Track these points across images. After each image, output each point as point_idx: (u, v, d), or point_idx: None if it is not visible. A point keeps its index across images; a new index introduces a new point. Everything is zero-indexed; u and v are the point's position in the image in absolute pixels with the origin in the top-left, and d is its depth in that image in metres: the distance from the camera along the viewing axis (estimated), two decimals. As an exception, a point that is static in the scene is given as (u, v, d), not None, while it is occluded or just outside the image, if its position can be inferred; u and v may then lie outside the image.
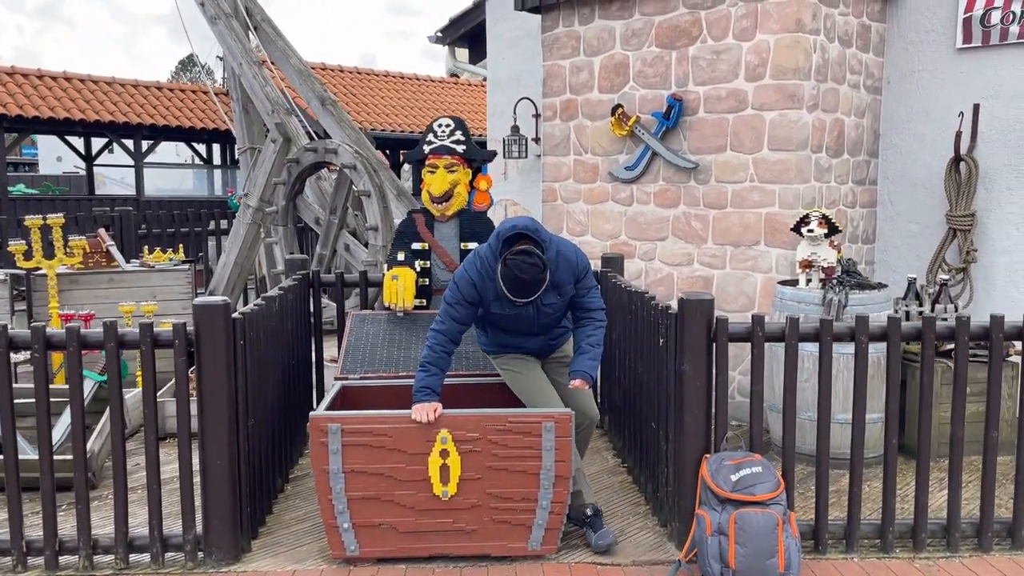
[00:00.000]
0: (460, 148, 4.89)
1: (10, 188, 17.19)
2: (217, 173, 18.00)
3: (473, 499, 3.53)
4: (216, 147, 17.14)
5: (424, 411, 3.46)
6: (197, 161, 18.59)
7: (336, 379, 4.16)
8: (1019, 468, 3.67)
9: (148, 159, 15.69)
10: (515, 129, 7.60)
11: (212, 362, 3.47)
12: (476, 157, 4.96)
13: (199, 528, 3.58)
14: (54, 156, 30.70)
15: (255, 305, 3.91)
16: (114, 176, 22.89)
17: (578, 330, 3.79)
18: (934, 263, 5.82)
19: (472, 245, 4.86)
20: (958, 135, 5.66)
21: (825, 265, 4.84)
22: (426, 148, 4.92)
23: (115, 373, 3.47)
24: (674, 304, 3.74)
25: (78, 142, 16.33)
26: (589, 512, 3.79)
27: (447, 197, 4.85)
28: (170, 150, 24.97)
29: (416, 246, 4.88)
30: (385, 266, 4.96)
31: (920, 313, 5.11)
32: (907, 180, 6.06)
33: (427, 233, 4.91)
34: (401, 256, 4.80)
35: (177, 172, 21.92)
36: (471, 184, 4.98)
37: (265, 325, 4.01)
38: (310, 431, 3.45)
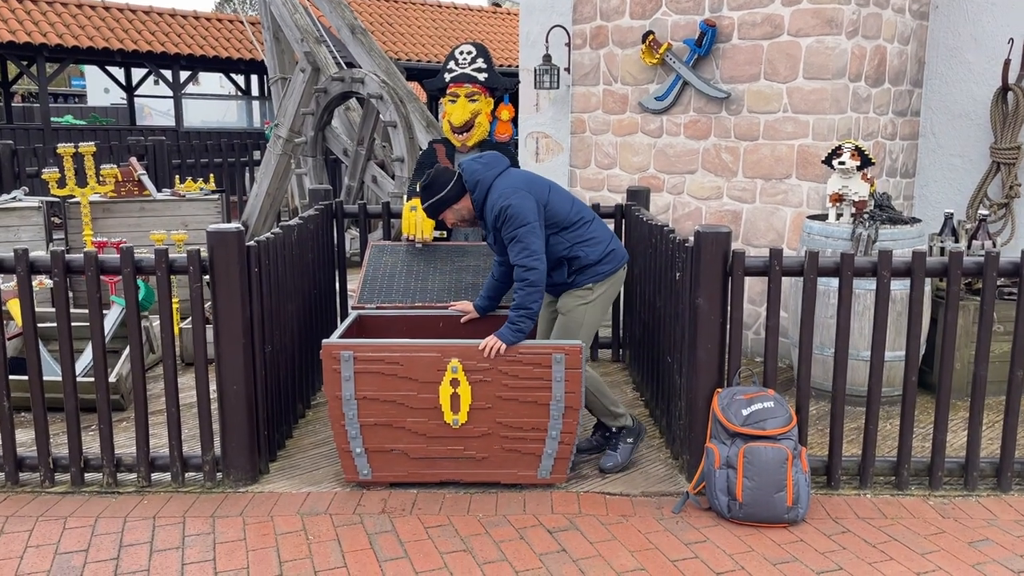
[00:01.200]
0: (482, 76, 4.79)
1: (59, 119, 17.47)
2: (256, 104, 18.03)
3: (484, 428, 3.56)
4: (255, 78, 17.13)
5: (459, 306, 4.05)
6: (236, 92, 18.60)
7: (353, 308, 4.19)
8: (1044, 409, 3.57)
9: (191, 91, 15.76)
10: (547, 58, 7.41)
11: (226, 288, 3.51)
12: (498, 86, 4.85)
13: (218, 450, 3.68)
14: (101, 88, 31.01)
15: (272, 234, 3.93)
16: (160, 108, 23.10)
17: None
18: (975, 198, 5.61)
19: (493, 176, 4.79)
20: (1007, 63, 5.38)
21: (856, 199, 4.68)
22: (447, 76, 4.83)
23: (132, 298, 3.53)
24: (691, 238, 3.66)
25: (119, 72, 16.44)
26: (614, 430, 3.88)
27: (468, 127, 4.77)
28: (214, 81, 25.03)
29: (437, 176, 4.82)
30: (405, 197, 4.93)
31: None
32: (951, 111, 5.80)
33: (448, 164, 4.85)
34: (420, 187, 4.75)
35: (221, 104, 21.98)
36: (493, 114, 4.89)
37: (283, 254, 4.03)
38: (323, 358, 3.49)
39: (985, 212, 5.08)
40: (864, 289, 4.47)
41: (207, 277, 3.56)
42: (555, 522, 3.35)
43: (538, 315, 3.65)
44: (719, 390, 3.56)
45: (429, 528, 3.29)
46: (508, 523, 3.34)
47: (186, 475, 3.70)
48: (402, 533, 3.25)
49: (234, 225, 3.54)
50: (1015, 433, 3.60)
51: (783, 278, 3.55)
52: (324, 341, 3.50)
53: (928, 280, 4.47)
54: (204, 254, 3.52)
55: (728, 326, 3.58)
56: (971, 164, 5.73)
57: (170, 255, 3.53)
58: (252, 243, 3.63)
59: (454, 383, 3.50)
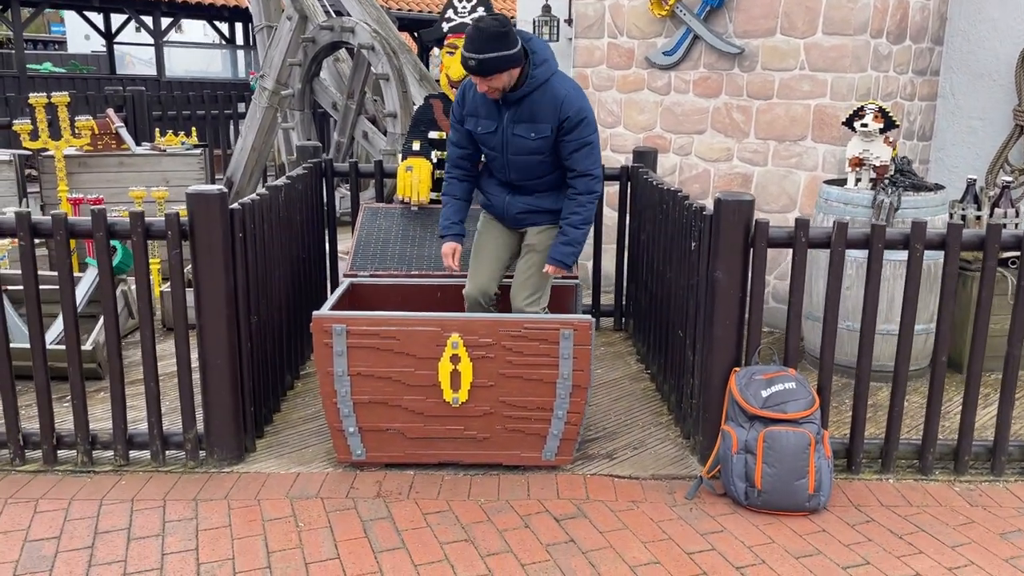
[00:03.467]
0: (482, 26, 4.47)
1: (37, 66, 16.84)
2: (240, 53, 17.46)
3: (485, 407, 3.33)
4: (239, 26, 16.56)
5: (444, 256, 3.56)
6: (220, 41, 18.01)
7: (345, 276, 3.94)
8: (1078, 391, 3.37)
9: (173, 38, 15.20)
10: (546, 8, 7.07)
11: (208, 256, 3.24)
12: (500, 37, 4.53)
13: (200, 427, 3.45)
14: (82, 35, 30.09)
15: (257, 195, 3.65)
16: (143, 56, 22.41)
17: (565, 204, 3.43)
18: (995, 163, 5.37)
19: (494, 134, 4.51)
20: (1037, 20, 5.09)
21: (877, 164, 4.43)
22: (445, 26, 4.51)
23: (106, 264, 3.25)
24: (709, 204, 3.41)
25: (98, 19, 15.84)
26: None
27: (467, 81, 4.47)
28: (198, 29, 24.26)
29: (433, 135, 4.53)
30: (400, 156, 4.64)
31: (977, 218, 4.72)
32: (973, 70, 5.52)
33: (445, 121, 4.55)
34: (416, 146, 4.47)
35: (206, 53, 21.32)
36: (494, 67, 4.58)
37: (269, 217, 3.75)
38: (313, 331, 3.24)
39: (1008, 179, 4.84)
40: (886, 260, 4.24)
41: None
42: (562, 508, 3.15)
43: None
44: (736, 369, 3.34)
45: (428, 515, 3.08)
46: (512, 509, 3.14)
47: (167, 453, 3.47)
48: (399, 520, 3.04)
49: (216, 187, 3.26)
50: (1047, 416, 3.41)
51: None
52: (315, 313, 3.25)
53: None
54: (184, 217, 3.24)
55: (748, 301, 3.35)
56: (992, 127, 5.47)
57: (147, 219, 3.24)
58: (236, 206, 3.35)
59: (454, 359, 3.27)
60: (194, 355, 3.38)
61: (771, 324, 5.26)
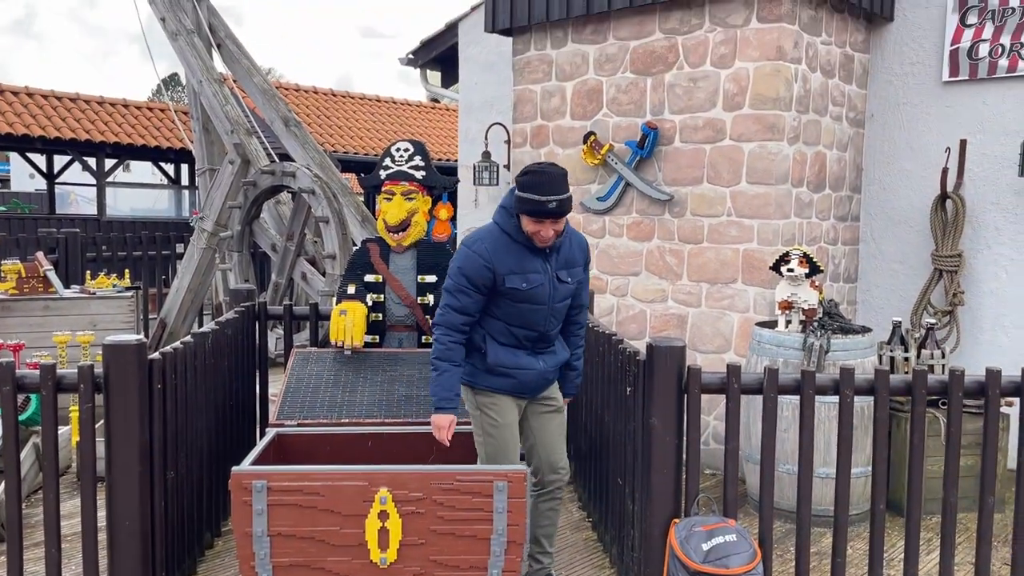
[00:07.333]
0: (419, 174, 4.56)
1: (-24, 205, 16.59)
2: (185, 193, 17.55)
3: (415, 567, 3.14)
4: (184, 167, 16.73)
5: (440, 429, 3.20)
6: (164, 181, 18.10)
7: (270, 426, 3.78)
8: (1017, 537, 3.34)
9: (121, 177, 15.20)
10: (486, 155, 7.31)
11: (122, 410, 3.07)
12: (436, 184, 4.63)
13: (104, 596, 3.17)
14: (27, 173, 30.04)
15: (181, 343, 3.53)
16: (88, 195, 22.36)
17: (569, 339, 3.48)
18: (919, 305, 5.55)
19: (430, 278, 4.52)
20: (944, 172, 5.41)
21: (805, 307, 4.54)
22: (382, 173, 4.58)
23: (11, 420, 3.07)
24: (643, 350, 3.41)
25: (40, 160, 15.85)
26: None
27: (404, 226, 4.51)
28: (146, 169, 24.41)
29: (369, 278, 4.52)
30: (335, 299, 4.59)
31: (905, 359, 4.82)
32: (891, 217, 5.80)
33: (381, 264, 4.56)
34: (351, 289, 4.43)
35: (153, 193, 21.41)
36: (430, 213, 4.65)
37: (193, 365, 3.62)
38: (232, 488, 3.05)
39: (932, 320, 4.99)
40: (820, 402, 4.26)
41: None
42: None
43: None
44: (676, 520, 3.24)
45: None
46: None
47: (65, 627, 3.17)
48: None
49: (135, 337, 3.14)
50: (988, 566, 3.35)
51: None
52: (234, 469, 3.07)
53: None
54: (98, 370, 3.10)
55: (685, 448, 3.29)
56: (913, 270, 5.70)
57: (58, 371, 3.09)
58: (156, 356, 3.23)
59: (382, 516, 3.10)
60: (103, 513, 3.16)
61: (712, 466, 5.20)
